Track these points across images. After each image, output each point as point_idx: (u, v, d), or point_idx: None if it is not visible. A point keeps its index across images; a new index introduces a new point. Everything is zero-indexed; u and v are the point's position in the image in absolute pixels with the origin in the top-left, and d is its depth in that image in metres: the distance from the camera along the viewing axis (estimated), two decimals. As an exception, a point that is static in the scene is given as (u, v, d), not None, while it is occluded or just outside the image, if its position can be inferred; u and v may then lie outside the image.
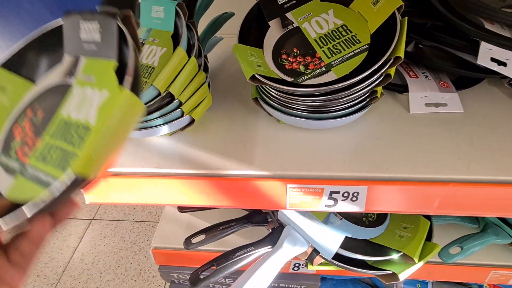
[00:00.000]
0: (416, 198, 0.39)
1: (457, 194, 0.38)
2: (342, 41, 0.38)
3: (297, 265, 0.64)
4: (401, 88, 0.49)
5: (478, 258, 0.60)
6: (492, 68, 0.42)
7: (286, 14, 0.43)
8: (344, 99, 0.38)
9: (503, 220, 0.57)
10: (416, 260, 0.43)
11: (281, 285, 0.70)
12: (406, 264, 0.44)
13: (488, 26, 0.43)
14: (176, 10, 0.40)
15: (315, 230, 0.44)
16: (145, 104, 0.36)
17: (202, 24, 0.53)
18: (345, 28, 0.38)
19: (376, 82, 0.38)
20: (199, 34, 0.45)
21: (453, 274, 0.62)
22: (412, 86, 0.48)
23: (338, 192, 0.38)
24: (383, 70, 0.35)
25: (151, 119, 0.38)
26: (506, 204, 0.38)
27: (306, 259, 0.47)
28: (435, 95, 0.47)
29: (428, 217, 0.52)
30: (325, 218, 0.50)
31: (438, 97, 0.47)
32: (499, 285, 0.73)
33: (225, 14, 0.55)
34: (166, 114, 0.39)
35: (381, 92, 0.43)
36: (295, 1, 0.43)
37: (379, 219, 0.53)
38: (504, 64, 0.42)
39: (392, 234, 0.50)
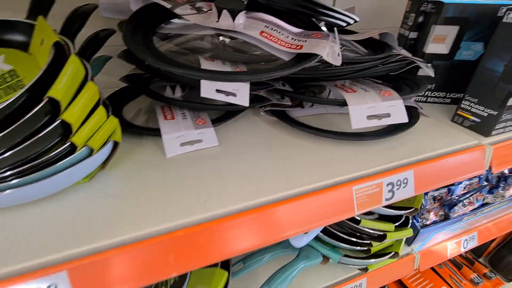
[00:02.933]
0: (151, 261, 0.31)
1: (193, 240, 0.32)
2: (4, 87, 0.30)
3: None
4: (158, 131, 0.45)
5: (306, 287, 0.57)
6: (220, 99, 0.42)
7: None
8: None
9: (317, 239, 0.57)
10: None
11: None
12: None
13: (206, 65, 0.44)
14: None
15: None
16: None
17: None
18: (12, 74, 0.31)
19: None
20: None
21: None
22: (164, 128, 0.44)
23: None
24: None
25: None
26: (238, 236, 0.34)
27: None
28: (190, 133, 0.45)
29: (227, 266, 0.45)
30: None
31: (193, 134, 0.45)
32: None
33: None
34: None
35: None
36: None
37: (178, 284, 0.43)
38: (234, 94, 0.44)
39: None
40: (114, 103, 0.41)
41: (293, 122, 0.49)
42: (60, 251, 0.28)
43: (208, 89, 0.41)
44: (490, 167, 0.47)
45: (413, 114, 0.51)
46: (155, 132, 0.46)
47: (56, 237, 0.29)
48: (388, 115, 0.42)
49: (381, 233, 0.52)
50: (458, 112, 0.52)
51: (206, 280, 0.43)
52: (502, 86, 0.45)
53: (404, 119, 0.42)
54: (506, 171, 0.69)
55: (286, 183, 0.37)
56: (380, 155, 0.43)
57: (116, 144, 0.38)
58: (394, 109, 0.42)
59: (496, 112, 0.46)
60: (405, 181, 0.41)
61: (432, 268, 0.99)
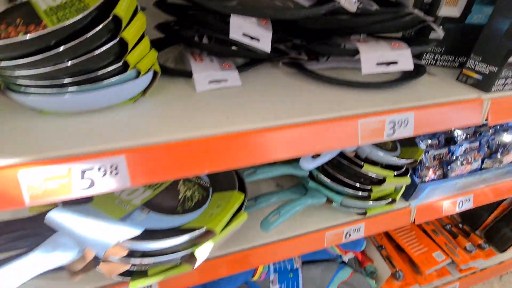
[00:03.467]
0: (190, 157, 0.38)
1: (223, 146, 0.38)
2: (73, 9, 0.36)
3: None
4: (189, 73, 0.51)
5: (310, 226, 0.64)
6: (245, 42, 0.48)
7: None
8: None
9: (320, 183, 0.64)
10: (217, 231, 0.41)
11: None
12: (207, 239, 0.41)
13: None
14: None
15: (93, 228, 0.37)
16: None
17: None
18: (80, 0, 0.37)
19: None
20: None
21: (295, 248, 0.63)
22: (196, 68, 0.51)
23: (92, 169, 0.33)
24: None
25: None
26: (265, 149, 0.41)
27: (87, 268, 0.37)
28: (217, 73, 0.51)
29: (244, 190, 0.52)
30: (126, 215, 0.43)
31: (220, 74, 0.51)
32: (340, 245, 0.81)
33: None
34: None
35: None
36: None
37: (197, 205, 0.50)
38: (257, 39, 0.49)
39: (205, 216, 0.47)
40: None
41: (309, 73, 0.54)
42: (119, 142, 0.35)
43: (236, 30, 0.47)
44: (486, 120, 0.51)
45: (420, 71, 0.55)
46: (186, 74, 0.52)
47: (116, 132, 0.37)
48: (395, 63, 0.46)
49: (381, 178, 0.58)
50: (463, 71, 0.56)
51: (225, 200, 0.50)
52: (505, 43, 0.48)
53: (410, 66, 0.46)
54: (504, 139, 0.73)
55: (301, 112, 0.43)
56: (386, 99, 0.48)
57: (155, 74, 0.45)
58: (402, 57, 0.46)
59: (496, 68, 0.50)
60: (405, 121, 0.46)
61: (429, 236, 1.05)
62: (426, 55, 0.63)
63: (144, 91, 0.46)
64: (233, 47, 0.53)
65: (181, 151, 0.37)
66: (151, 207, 0.47)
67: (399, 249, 1.02)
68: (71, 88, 0.36)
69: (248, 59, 0.61)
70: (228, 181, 0.54)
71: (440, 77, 0.59)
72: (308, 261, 0.82)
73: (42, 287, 0.49)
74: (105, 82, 0.38)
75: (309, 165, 0.50)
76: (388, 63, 0.46)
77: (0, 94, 0.38)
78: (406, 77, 0.54)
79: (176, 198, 0.50)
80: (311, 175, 0.65)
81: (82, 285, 0.49)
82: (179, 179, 0.37)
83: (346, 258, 0.84)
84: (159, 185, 0.52)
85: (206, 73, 0.50)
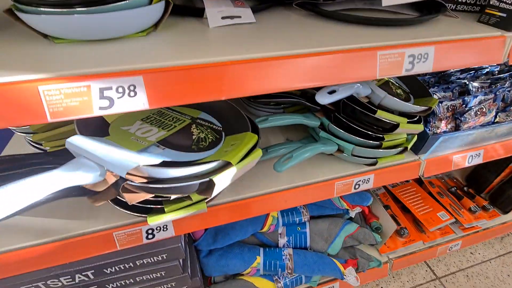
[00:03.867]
0: (205, 82, 0.37)
1: (239, 71, 0.38)
2: None
3: (150, 231, 0.56)
4: (201, 11, 0.50)
5: (320, 175, 0.65)
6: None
7: None
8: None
9: (331, 133, 0.64)
10: (233, 163, 0.42)
11: (137, 261, 0.59)
12: (225, 169, 0.42)
13: None
14: None
15: (114, 152, 0.37)
16: None
17: None
18: None
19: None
20: None
21: (305, 196, 0.64)
22: (208, 4, 0.49)
23: (110, 88, 0.33)
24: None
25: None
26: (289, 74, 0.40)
27: (107, 190, 0.38)
28: (230, 9, 0.49)
29: (256, 132, 0.52)
30: (143, 149, 0.44)
31: (233, 10, 0.49)
32: (345, 198, 0.82)
33: None
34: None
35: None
36: None
37: (211, 145, 0.50)
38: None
39: (220, 152, 0.48)
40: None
41: (323, 13, 0.52)
42: (136, 64, 0.34)
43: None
44: (508, 58, 0.50)
45: (440, 9, 0.53)
46: (197, 12, 0.50)
47: (133, 56, 0.36)
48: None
49: (395, 123, 0.57)
50: (486, 10, 0.53)
51: (239, 140, 0.50)
52: (534, -26, 0.46)
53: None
54: (522, 91, 0.71)
55: (319, 43, 0.42)
56: (405, 35, 0.46)
57: (168, 5, 0.43)
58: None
59: (523, 3, 0.48)
60: (425, 55, 0.44)
61: (433, 197, 1.06)
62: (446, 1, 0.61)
63: (156, 25, 0.45)
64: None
65: (198, 75, 0.36)
66: (166, 144, 0.47)
67: (405, 210, 1.04)
68: (79, 9, 0.35)
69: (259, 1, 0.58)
70: (241, 124, 0.54)
71: (462, 18, 0.56)
72: (316, 216, 0.84)
73: (64, 225, 0.51)
74: (113, 5, 0.36)
75: (324, 99, 0.49)
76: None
77: (14, 19, 0.37)
78: (426, 15, 0.52)
79: (190, 138, 0.50)
80: (322, 126, 0.65)
81: (104, 223, 0.51)
82: (196, 102, 0.36)
83: (352, 214, 0.86)
84: (173, 126, 0.52)
85: (219, 8, 0.49)
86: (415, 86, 0.70)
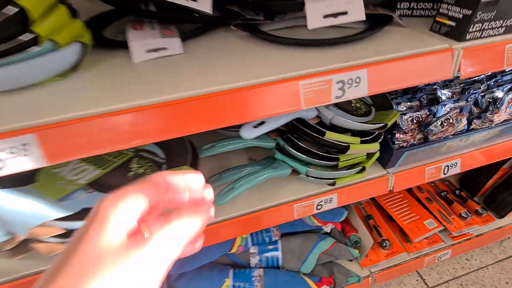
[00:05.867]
0: (111, 132, 0.36)
1: (163, 113, 0.36)
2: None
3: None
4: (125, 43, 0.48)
5: (277, 199, 0.62)
6: (182, 3, 0.43)
7: None
8: None
9: (285, 153, 0.61)
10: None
11: None
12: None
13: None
14: None
15: (19, 210, 0.36)
16: None
17: None
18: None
19: None
20: None
21: (263, 221, 0.62)
22: (132, 37, 0.47)
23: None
24: None
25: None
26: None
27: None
28: (155, 41, 0.47)
29: (195, 164, 0.50)
30: (65, 195, 0.43)
31: (158, 42, 0.47)
32: (319, 216, 0.79)
33: None
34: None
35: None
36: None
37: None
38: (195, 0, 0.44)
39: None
40: (96, 25, 0.49)
41: (258, 34, 0.49)
42: (29, 120, 0.33)
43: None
44: (459, 72, 0.45)
45: (385, 20, 0.49)
46: (124, 45, 0.49)
47: (29, 112, 0.35)
48: (345, 13, 0.41)
49: (346, 144, 0.54)
50: (436, 18, 0.49)
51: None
52: (480, -21, 0.41)
53: (362, 16, 0.41)
54: (498, 94, 0.65)
55: (240, 77, 0.39)
56: (338, 56, 0.43)
57: (85, 46, 0.42)
58: (352, 6, 0.40)
59: (470, 11, 0.43)
60: (357, 80, 0.41)
61: (422, 203, 1.01)
62: (400, 4, 0.56)
63: (76, 66, 0.43)
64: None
65: (93, 125, 0.35)
66: (95, 187, 0.46)
67: (390, 218, 0.99)
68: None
69: (200, 25, 0.56)
70: (183, 155, 0.53)
71: (413, 27, 0.52)
72: (288, 233, 0.82)
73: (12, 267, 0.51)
74: (18, 55, 0.35)
75: (249, 134, 0.47)
76: (337, 14, 0.41)
77: None
78: (369, 29, 0.48)
79: (125, 176, 0.49)
80: (278, 146, 0.62)
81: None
82: (108, 151, 0.35)
83: (328, 229, 0.83)
84: (112, 163, 0.51)
85: (143, 42, 0.47)
86: (379, 97, 0.66)
